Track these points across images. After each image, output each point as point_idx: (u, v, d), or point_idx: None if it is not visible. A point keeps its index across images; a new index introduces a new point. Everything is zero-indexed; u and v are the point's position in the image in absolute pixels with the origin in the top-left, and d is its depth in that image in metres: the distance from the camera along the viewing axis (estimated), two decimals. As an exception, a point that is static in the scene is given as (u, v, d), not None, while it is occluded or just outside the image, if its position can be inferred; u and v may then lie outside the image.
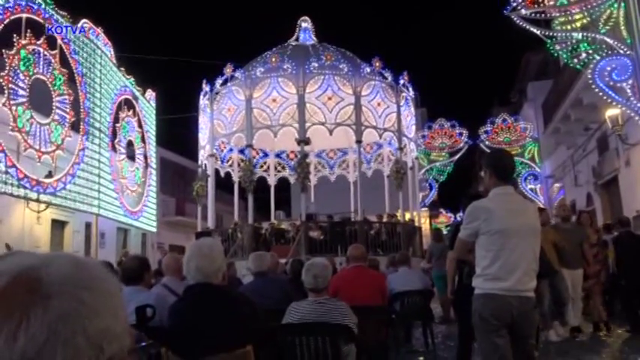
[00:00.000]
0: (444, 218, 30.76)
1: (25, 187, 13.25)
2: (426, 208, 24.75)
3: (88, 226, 17.39)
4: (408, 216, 17.07)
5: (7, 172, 12.62)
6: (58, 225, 16.21)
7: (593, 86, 11.44)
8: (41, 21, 14.34)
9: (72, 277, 0.64)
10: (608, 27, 11.11)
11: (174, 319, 2.84)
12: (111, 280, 0.69)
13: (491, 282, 3.13)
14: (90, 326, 0.61)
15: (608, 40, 11.11)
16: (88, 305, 0.62)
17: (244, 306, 2.87)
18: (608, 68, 11.11)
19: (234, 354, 2.65)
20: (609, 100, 11.56)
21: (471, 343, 4.57)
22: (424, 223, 22.24)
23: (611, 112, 12.35)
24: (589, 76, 11.53)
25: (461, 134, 22.42)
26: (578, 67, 12.44)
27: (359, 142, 15.33)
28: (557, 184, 20.74)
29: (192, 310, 2.76)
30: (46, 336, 0.59)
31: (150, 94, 22.31)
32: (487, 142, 21.42)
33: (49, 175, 14.33)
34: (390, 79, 15.80)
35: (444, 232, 16.11)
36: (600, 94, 11.49)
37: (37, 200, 13.93)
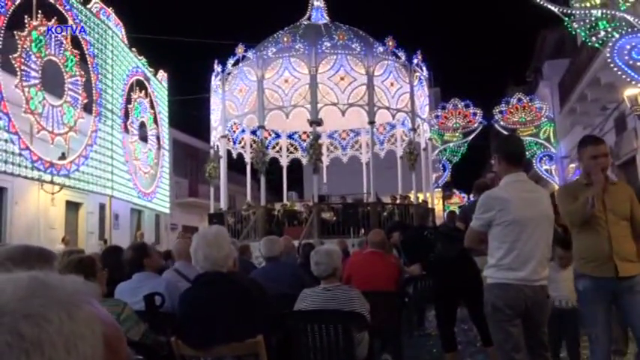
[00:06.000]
0: (458, 199, 30.57)
1: (38, 169, 13.32)
2: (440, 189, 24.59)
3: (102, 207, 17.51)
4: (421, 197, 16.95)
5: (20, 155, 12.69)
6: (72, 206, 16.33)
7: (612, 65, 11.17)
8: (52, 1, 14.27)
9: (16, 305, 0.55)
10: (628, 4, 10.82)
11: (184, 308, 2.81)
12: (75, 303, 0.58)
13: (505, 272, 3.08)
14: None
15: (628, 17, 10.82)
16: (28, 338, 0.52)
17: (255, 294, 2.83)
18: (628, 46, 10.83)
19: (244, 343, 2.62)
20: (628, 80, 11.28)
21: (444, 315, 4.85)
22: (437, 204, 22.09)
23: (630, 92, 12.08)
24: (607, 55, 11.26)
25: (475, 114, 22.14)
26: (596, 45, 12.14)
27: (372, 122, 15.18)
28: (572, 165, 20.45)
29: (202, 300, 2.72)
30: None
31: (162, 74, 22.26)
32: (502, 123, 21.15)
33: (63, 156, 14.40)
34: (403, 58, 15.59)
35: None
36: (619, 73, 11.22)
37: (52, 182, 14.02)
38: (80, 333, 0.56)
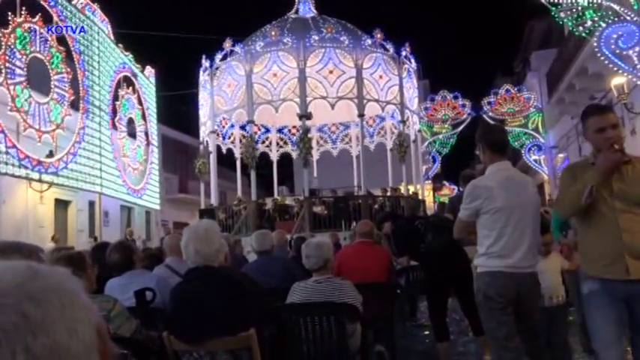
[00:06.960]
0: (448, 190, 30.68)
1: (26, 168, 13.21)
2: (430, 181, 24.65)
3: (91, 204, 17.38)
4: (411, 189, 17.00)
5: (7, 153, 12.56)
6: (61, 204, 16.20)
7: (599, 54, 11.22)
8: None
9: (17, 288, 0.56)
10: (614, -7, 10.86)
11: (176, 303, 2.79)
12: (71, 290, 0.59)
13: (495, 260, 3.08)
14: (34, 343, 0.53)
15: (614, 6, 10.87)
16: (32, 319, 0.54)
17: (247, 287, 2.81)
18: (615, 36, 10.89)
19: (237, 337, 2.61)
20: (615, 69, 11.35)
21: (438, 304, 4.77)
22: (428, 196, 22.15)
23: (617, 81, 12.13)
24: (595, 44, 11.31)
25: (464, 106, 22.18)
26: (583, 34, 12.19)
27: (361, 115, 15.18)
28: (561, 155, 20.58)
29: (193, 294, 2.70)
30: None
31: (149, 71, 22.10)
32: (490, 114, 21.22)
33: (50, 154, 14.27)
34: (391, 50, 15.58)
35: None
36: (606, 62, 11.27)
37: (40, 180, 13.89)
38: (79, 318, 0.57)
